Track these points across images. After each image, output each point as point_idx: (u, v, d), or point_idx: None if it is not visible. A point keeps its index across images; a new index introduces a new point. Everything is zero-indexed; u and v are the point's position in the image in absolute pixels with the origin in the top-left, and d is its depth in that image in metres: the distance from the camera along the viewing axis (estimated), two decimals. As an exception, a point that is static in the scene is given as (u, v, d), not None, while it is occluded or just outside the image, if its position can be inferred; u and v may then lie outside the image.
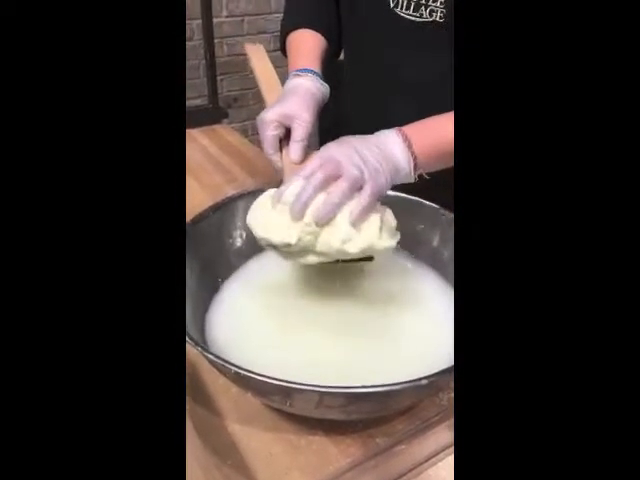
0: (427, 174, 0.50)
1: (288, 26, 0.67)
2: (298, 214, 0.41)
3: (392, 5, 0.58)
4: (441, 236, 0.53)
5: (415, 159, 0.47)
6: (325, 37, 0.66)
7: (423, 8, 0.56)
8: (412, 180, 0.49)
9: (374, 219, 0.43)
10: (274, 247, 0.44)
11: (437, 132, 0.49)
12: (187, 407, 0.45)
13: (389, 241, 0.44)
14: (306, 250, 0.43)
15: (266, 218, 0.44)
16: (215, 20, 1.39)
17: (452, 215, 0.52)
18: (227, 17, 1.72)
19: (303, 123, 0.49)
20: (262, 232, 0.44)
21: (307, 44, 0.64)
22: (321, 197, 0.42)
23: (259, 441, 0.43)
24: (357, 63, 0.69)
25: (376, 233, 0.43)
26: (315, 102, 0.52)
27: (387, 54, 0.62)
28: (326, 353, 0.46)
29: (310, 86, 0.54)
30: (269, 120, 0.49)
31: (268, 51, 1.99)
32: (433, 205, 0.53)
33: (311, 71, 0.56)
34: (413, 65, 0.60)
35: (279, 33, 0.70)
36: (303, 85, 0.54)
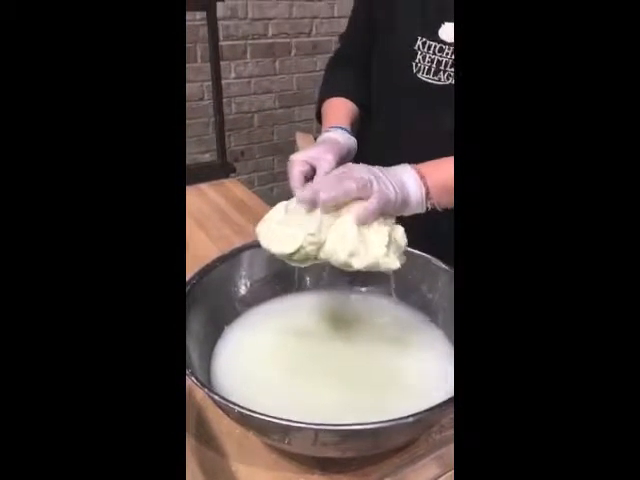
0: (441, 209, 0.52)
1: (324, 94, 0.74)
2: (302, 198, 0.45)
3: (415, 71, 0.66)
4: (431, 284, 0.57)
5: (427, 188, 0.51)
6: (357, 104, 0.72)
7: (442, 73, 0.63)
8: (424, 209, 0.52)
9: (382, 233, 0.44)
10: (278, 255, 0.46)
11: (449, 168, 0.52)
12: (194, 448, 0.47)
13: (394, 262, 0.44)
14: (308, 258, 0.45)
15: (271, 229, 0.46)
16: (224, 81, 1.49)
17: (442, 264, 0.56)
18: (235, 79, 1.85)
19: (326, 162, 0.53)
20: (265, 242, 0.46)
21: (339, 108, 0.71)
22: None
23: (261, 479, 0.45)
24: (380, 119, 0.75)
25: (383, 250, 0.44)
26: (340, 149, 0.57)
27: (408, 112, 0.69)
28: (325, 398, 0.48)
29: (337, 136, 0.59)
30: (297, 159, 0.54)
31: (272, 108, 2.12)
32: (425, 255, 0.57)
33: (340, 127, 0.62)
34: (430, 121, 0.66)
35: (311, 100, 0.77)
36: (330, 136, 0.60)
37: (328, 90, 0.75)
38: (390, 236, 0.45)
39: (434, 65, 0.64)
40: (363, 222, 0.45)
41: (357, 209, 0.45)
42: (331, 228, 0.44)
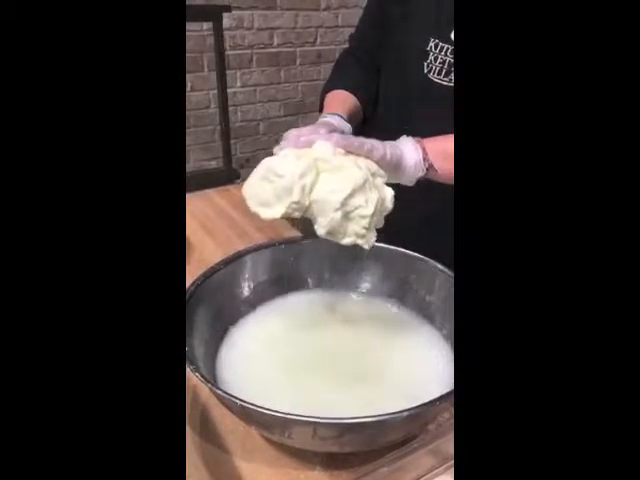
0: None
1: (328, 87, 0.76)
2: (287, 141, 0.47)
3: (426, 71, 0.67)
4: (429, 286, 0.58)
5: (424, 149, 0.51)
6: (360, 100, 0.73)
7: (452, 74, 0.64)
8: (423, 171, 0.52)
9: (365, 212, 0.45)
10: None
11: (450, 140, 0.53)
12: (198, 445, 0.49)
13: (369, 242, 0.47)
14: (294, 217, 0.47)
15: (258, 190, 0.47)
16: (230, 90, 1.52)
17: (440, 266, 0.57)
18: (241, 87, 1.88)
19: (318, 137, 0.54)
20: (252, 205, 0.48)
21: (340, 99, 0.72)
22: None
23: (263, 475, 0.46)
24: (386, 116, 0.76)
25: (361, 231, 0.46)
26: (334, 130, 0.57)
27: (416, 110, 0.69)
28: (326, 396, 0.49)
29: (332, 120, 0.61)
30: (292, 135, 0.53)
31: (277, 116, 2.15)
32: (424, 257, 0.58)
33: (336, 114, 0.63)
34: (437, 120, 0.67)
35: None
36: (325, 120, 0.61)
37: (332, 83, 0.77)
38: (372, 216, 0.46)
39: (445, 66, 0.65)
40: (340, 144, 0.47)
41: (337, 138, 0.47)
42: (313, 192, 0.46)
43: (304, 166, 0.46)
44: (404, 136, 0.53)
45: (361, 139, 0.49)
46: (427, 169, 0.52)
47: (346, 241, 0.47)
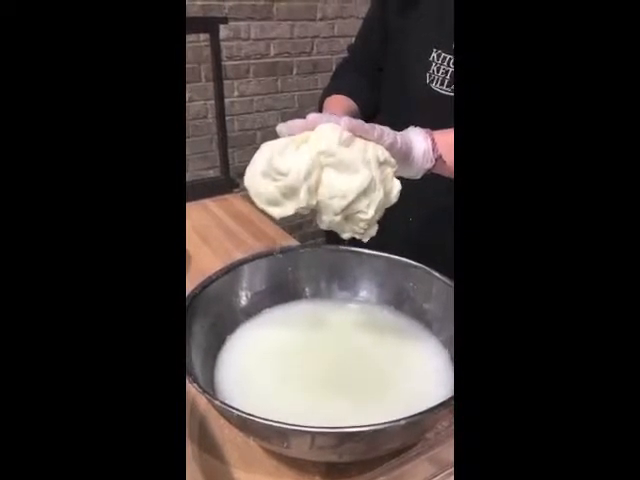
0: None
1: (327, 92, 0.76)
2: (285, 127, 0.46)
3: (428, 81, 0.67)
4: (426, 293, 0.58)
5: (433, 139, 0.50)
6: (357, 104, 0.73)
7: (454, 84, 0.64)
8: (432, 162, 0.50)
9: (365, 217, 0.45)
10: None
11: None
12: (196, 455, 0.48)
13: (369, 235, 0.47)
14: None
15: (262, 188, 0.46)
16: (228, 100, 1.53)
17: (438, 274, 0.57)
18: (238, 97, 1.89)
19: None
20: (259, 201, 0.46)
21: (338, 102, 0.72)
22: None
23: (262, 486, 0.46)
24: (390, 127, 0.77)
25: (360, 231, 0.46)
26: None
27: (418, 120, 0.69)
28: (324, 405, 0.49)
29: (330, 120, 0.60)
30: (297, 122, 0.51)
31: (274, 125, 2.12)
32: (422, 266, 0.58)
33: (335, 114, 0.63)
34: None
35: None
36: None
37: (331, 89, 0.77)
38: (376, 210, 0.45)
39: (448, 77, 0.65)
40: (348, 127, 0.45)
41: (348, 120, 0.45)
42: (318, 191, 0.45)
43: (308, 164, 0.44)
44: (412, 127, 0.52)
45: (371, 124, 0.47)
46: (436, 160, 0.51)
47: (345, 236, 0.47)
